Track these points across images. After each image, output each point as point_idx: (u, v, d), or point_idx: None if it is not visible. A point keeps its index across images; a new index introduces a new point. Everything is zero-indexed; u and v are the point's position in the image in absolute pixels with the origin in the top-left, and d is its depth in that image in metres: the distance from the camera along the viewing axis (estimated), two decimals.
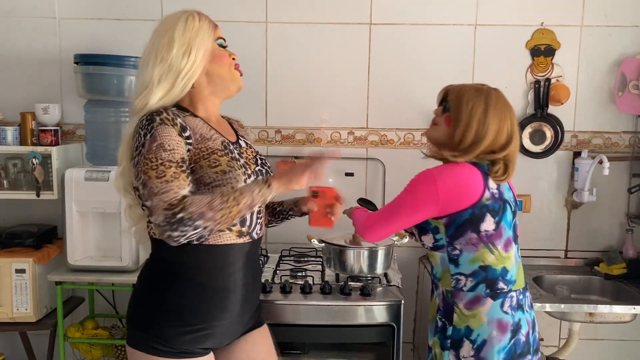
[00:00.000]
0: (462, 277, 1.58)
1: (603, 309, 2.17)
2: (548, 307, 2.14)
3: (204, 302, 1.48)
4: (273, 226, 1.84)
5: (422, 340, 2.61)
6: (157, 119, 1.41)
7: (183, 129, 1.43)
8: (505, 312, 1.55)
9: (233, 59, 1.57)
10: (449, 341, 1.56)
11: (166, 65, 1.46)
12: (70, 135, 2.60)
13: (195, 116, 1.53)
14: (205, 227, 1.34)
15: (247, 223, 1.52)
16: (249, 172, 1.51)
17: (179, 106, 1.53)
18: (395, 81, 2.60)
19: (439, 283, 1.64)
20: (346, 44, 2.58)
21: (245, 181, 1.47)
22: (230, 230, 1.48)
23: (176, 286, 1.48)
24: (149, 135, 1.39)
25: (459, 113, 1.58)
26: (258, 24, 2.56)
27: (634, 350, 2.71)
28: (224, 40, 1.59)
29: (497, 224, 1.55)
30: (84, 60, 2.33)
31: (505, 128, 1.57)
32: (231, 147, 1.52)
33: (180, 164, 1.39)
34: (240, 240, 1.51)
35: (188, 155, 1.43)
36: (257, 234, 1.56)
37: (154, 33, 1.52)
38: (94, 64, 2.30)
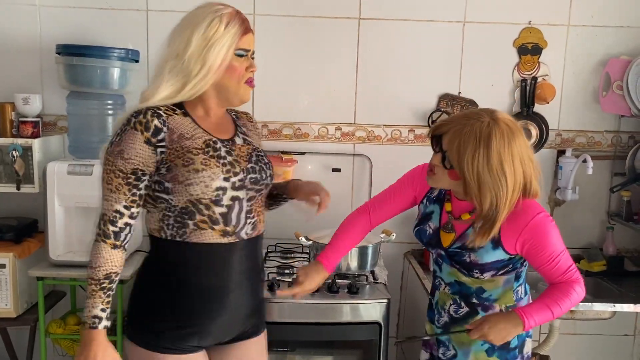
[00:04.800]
0: (520, 287, 1.62)
1: (584, 306, 2.22)
2: None
3: (188, 300, 1.50)
4: (274, 208, 1.82)
5: (406, 334, 2.64)
6: (132, 122, 1.43)
7: (156, 132, 1.43)
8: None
9: (252, 71, 1.52)
10: (516, 351, 1.60)
11: (180, 65, 1.44)
12: (51, 126, 2.53)
13: (187, 115, 1.50)
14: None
15: (233, 222, 1.50)
16: (237, 169, 1.50)
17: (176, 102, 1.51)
18: (383, 77, 2.59)
19: (494, 304, 1.59)
20: (334, 38, 2.56)
21: (227, 180, 1.46)
22: (212, 229, 1.47)
23: (165, 283, 1.51)
24: (119, 137, 1.44)
25: (464, 173, 1.43)
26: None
27: (611, 345, 2.78)
28: (246, 50, 1.50)
29: None
30: (67, 50, 2.27)
31: (518, 172, 1.44)
32: (218, 145, 1.50)
33: (128, 175, 1.42)
34: (225, 240, 1.49)
35: (164, 157, 1.44)
36: (247, 234, 1.54)
37: (181, 20, 1.49)
38: (77, 55, 2.24)
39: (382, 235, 2.23)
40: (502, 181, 1.41)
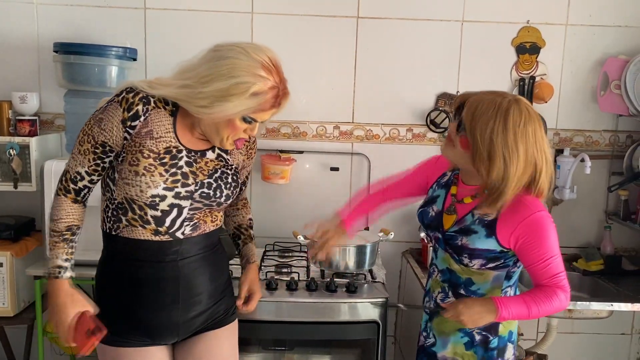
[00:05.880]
0: (509, 289, 1.60)
1: (581, 305, 2.22)
2: None
3: (129, 293, 1.51)
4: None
5: (403, 334, 2.64)
6: (122, 95, 1.43)
7: (134, 117, 1.43)
8: None
9: (249, 135, 1.48)
10: (495, 352, 1.59)
11: (191, 87, 1.40)
12: (48, 125, 2.53)
13: (173, 115, 1.48)
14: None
15: (166, 224, 1.48)
16: (190, 181, 1.47)
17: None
18: (381, 76, 2.59)
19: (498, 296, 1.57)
20: (333, 36, 2.56)
21: (171, 189, 1.44)
22: (143, 227, 1.47)
23: (109, 276, 1.54)
24: (106, 104, 1.45)
25: (476, 138, 1.42)
26: (244, 14, 2.52)
27: (608, 344, 2.79)
28: (254, 120, 1.44)
29: None
30: (65, 49, 2.26)
31: (530, 153, 1.42)
32: (182, 154, 1.47)
33: (97, 145, 1.44)
34: (156, 238, 1.48)
35: (125, 143, 1.44)
36: (183, 234, 1.51)
37: (229, 50, 1.41)
38: (75, 53, 2.24)
39: (380, 234, 2.23)
40: (513, 156, 1.40)
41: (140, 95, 1.43)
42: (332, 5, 2.52)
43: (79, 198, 1.48)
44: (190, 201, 1.49)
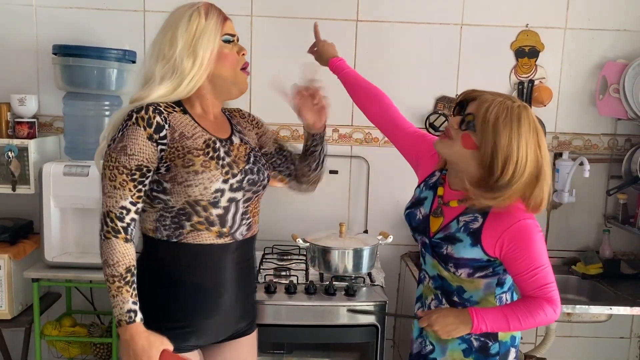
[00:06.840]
0: (504, 294, 1.55)
1: (580, 309, 2.22)
2: None
3: (182, 300, 1.50)
4: (315, 173, 1.79)
5: (402, 337, 2.64)
6: (134, 117, 1.42)
7: (159, 128, 1.43)
8: None
9: (243, 54, 1.54)
10: (497, 358, 1.55)
11: (169, 65, 1.45)
12: (47, 127, 2.52)
13: (186, 112, 1.50)
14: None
15: (229, 224, 1.50)
16: (236, 171, 1.50)
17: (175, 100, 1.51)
18: (380, 79, 2.53)
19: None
20: (332, 39, 2.54)
21: (226, 182, 1.46)
22: (208, 230, 1.47)
23: (159, 283, 1.51)
24: (121, 132, 1.43)
25: (487, 138, 1.37)
26: (244, 18, 2.52)
27: (607, 348, 2.79)
28: (232, 35, 1.52)
29: None
30: (63, 51, 2.26)
31: (534, 157, 1.39)
32: (217, 145, 1.50)
33: (132, 171, 1.41)
34: (220, 241, 1.49)
35: (163, 155, 1.43)
36: (242, 234, 1.54)
37: (162, 25, 1.51)
38: (74, 56, 2.24)
39: (380, 237, 2.23)
40: (517, 160, 1.36)
41: (151, 108, 1.43)
42: (332, 8, 2.52)
43: (128, 236, 1.42)
44: (242, 192, 1.51)
